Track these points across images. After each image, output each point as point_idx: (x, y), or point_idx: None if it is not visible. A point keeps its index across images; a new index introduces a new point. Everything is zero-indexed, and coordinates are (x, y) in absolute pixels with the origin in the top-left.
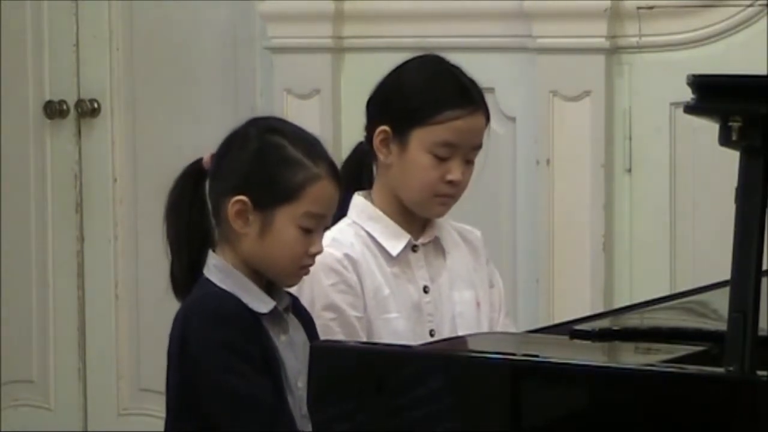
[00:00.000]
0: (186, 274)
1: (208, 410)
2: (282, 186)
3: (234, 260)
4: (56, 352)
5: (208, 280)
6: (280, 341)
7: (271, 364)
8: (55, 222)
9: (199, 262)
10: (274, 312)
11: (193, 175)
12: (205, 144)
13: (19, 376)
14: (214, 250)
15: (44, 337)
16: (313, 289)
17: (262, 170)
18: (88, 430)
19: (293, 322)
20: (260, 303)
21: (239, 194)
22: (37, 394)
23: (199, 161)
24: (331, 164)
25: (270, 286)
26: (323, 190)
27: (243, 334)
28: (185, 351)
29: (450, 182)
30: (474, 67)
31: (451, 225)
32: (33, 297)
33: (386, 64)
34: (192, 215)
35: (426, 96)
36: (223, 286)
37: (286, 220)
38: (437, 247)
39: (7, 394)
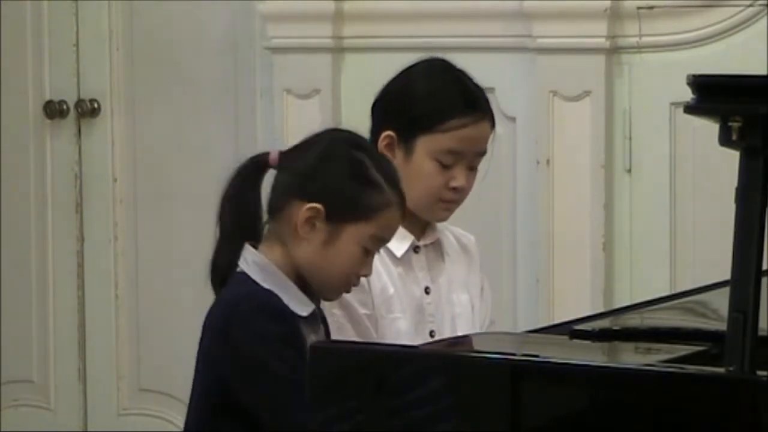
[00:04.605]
0: (229, 264)
1: (257, 402)
2: (360, 205)
3: (279, 259)
4: (56, 352)
5: (247, 276)
6: (311, 342)
7: None
8: (55, 222)
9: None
10: (311, 314)
11: (257, 168)
12: (204, 144)
13: (19, 376)
14: (256, 245)
15: (44, 337)
16: None
17: (345, 184)
18: (88, 430)
19: (316, 323)
20: (301, 305)
21: (315, 201)
22: (37, 394)
23: (265, 155)
24: (402, 195)
25: (304, 289)
26: (394, 218)
27: (295, 332)
28: (229, 345)
29: (454, 189)
30: (474, 67)
31: (447, 228)
32: (33, 297)
33: (386, 64)
34: (251, 207)
35: (432, 104)
36: (265, 285)
37: (352, 238)
38: (437, 249)
39: (7, 394)
